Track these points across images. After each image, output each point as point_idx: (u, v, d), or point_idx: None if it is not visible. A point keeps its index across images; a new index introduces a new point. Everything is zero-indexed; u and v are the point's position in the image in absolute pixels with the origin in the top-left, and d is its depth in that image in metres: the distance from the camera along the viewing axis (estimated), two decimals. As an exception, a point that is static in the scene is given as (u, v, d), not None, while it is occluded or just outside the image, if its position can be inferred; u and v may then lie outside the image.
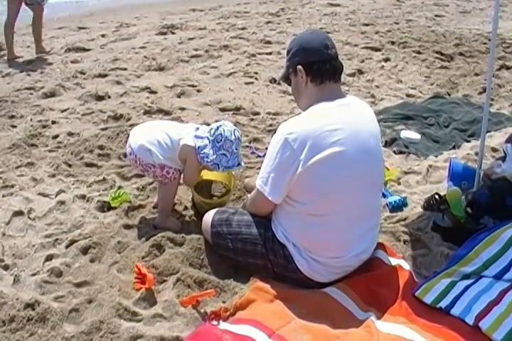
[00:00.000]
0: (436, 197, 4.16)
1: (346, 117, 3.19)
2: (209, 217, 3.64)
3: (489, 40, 7.32)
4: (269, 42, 9.42)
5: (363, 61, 8.32)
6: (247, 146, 5.37)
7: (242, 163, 4.07)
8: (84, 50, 9.17)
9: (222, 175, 4.37)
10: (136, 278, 3.43)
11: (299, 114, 3.30)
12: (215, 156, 3.83)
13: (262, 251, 3.36)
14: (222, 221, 3.53)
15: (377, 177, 3.39)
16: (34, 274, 3.59)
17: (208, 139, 3.85)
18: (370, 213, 3.37)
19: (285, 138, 3.08)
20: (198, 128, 3.95)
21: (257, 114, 6.29)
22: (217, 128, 3.87)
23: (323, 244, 3.24)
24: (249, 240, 3.40)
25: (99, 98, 6.82)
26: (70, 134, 5.73)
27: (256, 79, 7.55)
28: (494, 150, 5.18)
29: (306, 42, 3.30)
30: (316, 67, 3.23)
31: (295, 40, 3.40)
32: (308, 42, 3.28)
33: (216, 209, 3.67)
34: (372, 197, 3.39)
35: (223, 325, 3.05)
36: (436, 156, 5.20)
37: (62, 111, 6.44)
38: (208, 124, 3.97)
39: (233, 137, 3.88)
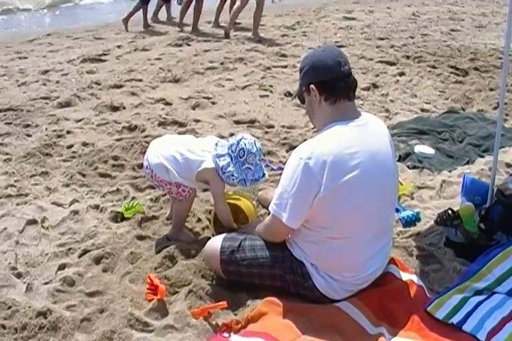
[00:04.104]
0: (450, 212, 4.14)
1: (364, 139, 3.13)
2: (215, 244, 3.51)
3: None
4: (284, 56, 9.46)
5: (377, 75, 8.32)
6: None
7: (266, 173, 4.02)
8: (100, 60, 9.24)
9: (245, 204, 4.18)
10: (148, 288, 3.44)
11: (313, 128, 3.27)
12: (240, 172, 3.76)
13: (280, 272, 3.31)
14: (234, 248, 3.42)
15: (392, 194, 3.39)
16: (47, 283, 3.61)
17: (230, 156, 3.75)
18: (385, 230, 3.37)
19: (305, 163, 3.00)
20: (217, 144, 3.84)
21: (272, 127, 6.29)
22: (238, 142, 3.77)
23: (341, 265, 3.22)
24: (266, 263, 3.33)
25: (114, 109, 6.86)
26: (85, 144, 5.77)
27: (271, 92, 7.58)
28: (508, 165, 5.16)
29: (318, 60, 3.20)
30: (329, 86, 3.15)
31: (307, 58, 3.31)
32: (321, 60, 3.18)
33: (223, 236, 3.54)
34: (388, 215, 3.39)
35: (234, 338, 3.04)
36: (449, 171, 5.18)
37: (77, 121, 6.48)
38: (223, 137, 3.94)
39: (255, 149, 3.80)
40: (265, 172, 3.95)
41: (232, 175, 3.74)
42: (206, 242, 3.62)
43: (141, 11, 11.76)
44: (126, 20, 11.78)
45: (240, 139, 3.81)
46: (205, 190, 4.39)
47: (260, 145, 3.94)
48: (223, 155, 3.77)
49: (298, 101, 3.86)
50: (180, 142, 3.95)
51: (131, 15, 11.83)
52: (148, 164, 3.84)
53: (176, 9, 12.36)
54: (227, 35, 10.84)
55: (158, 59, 9.28)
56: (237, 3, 11.12)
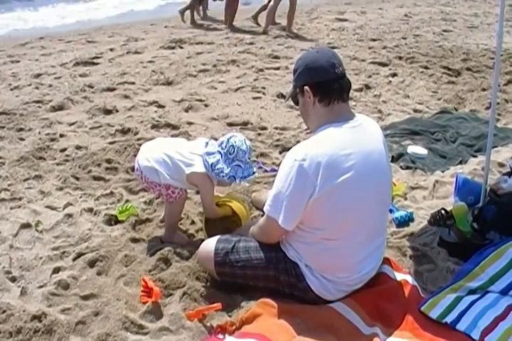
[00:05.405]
0: (443, 212, 4.16)
1: (358, 140, 3.13)
2: (209, 246, 3.51)
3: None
4: (276, 57, 9.47)
5: (370, 76, 8.34)
6: (254, 161, 5.37)
7: (256, 171, 4.03)
8: (93, 63, 9.21)
9: (237, 206, 4.18)
10: (142, 291, 3.44)
11: (306, 129, 3.26)
12: (229, 169, 3.76)
13: (274, 273, 3.31)
14: (228, 249, 3.42)
15: (386, 195, 3.40)
16: (41, 286, 3.61)
17: (220, 153, 3.78)
18: (379, 231, 3.38)
19: (299, 165, 3.00)
20: (207, 144, 3.88)
21: (265, 128, 6.31)
22: (228, 140, 3.80)
23: (336, 266, 3.23)
24: (260, 265, 3.33)
25: (107, 112, 6.84)
26: (78, 148, 5.75)
27: (263, 94, 7.59)
28: (501, 165, 5.18)
29: (312, 61, 3.19)
30: (323, 88, 3.15)
31: (301, 59, 3.30)
32: (315, 61, 3.18)
33: (217, 238, 3.54)
34: (382, 216, 3.40)
35: (229, 339, 3.04)
36: (442, 171, 5.20)
37: (70, 124, 6.46)
38: (216, 139, 3.95)
39: (245, 146, 3.81)
40: (254, 170, 3.96)
41: (222, 172, 3.75)
42: (200, 244, 3.62)
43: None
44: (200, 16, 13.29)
45: (230, 137, 3.83)
46: (198, 192, 4.39)
47: (250, 143, 3.95)
48: (213, 153, 3.79)
49: (291, 103, 3.88)
50: (171, 145, 3.96)
51: (203, 10, 13.34)
52: (138, 166, 3.86)
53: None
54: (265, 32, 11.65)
55: (150, 62, 9.27)
56: (271, 3, 11.88)
